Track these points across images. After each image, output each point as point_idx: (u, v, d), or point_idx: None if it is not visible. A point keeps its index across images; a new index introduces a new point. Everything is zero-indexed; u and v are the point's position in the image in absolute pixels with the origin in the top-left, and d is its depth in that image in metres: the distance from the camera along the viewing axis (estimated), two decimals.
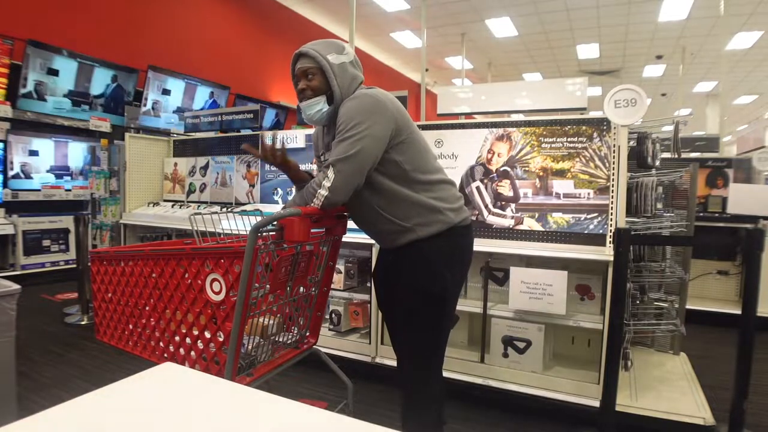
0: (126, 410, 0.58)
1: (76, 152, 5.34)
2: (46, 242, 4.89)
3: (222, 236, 1.66)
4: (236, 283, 1.29)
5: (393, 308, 1.57)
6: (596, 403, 2.04)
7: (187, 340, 1.44)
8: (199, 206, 3.66)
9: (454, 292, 1.52)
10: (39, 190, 4.98)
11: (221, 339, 1.36)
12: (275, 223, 1.30)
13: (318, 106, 1.43)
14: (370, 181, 1.39)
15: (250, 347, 1.42)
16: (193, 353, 1.43)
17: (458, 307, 2.48)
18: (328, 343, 2.68)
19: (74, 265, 3.86)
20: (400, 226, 1.42)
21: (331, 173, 1.31)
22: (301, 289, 1.56)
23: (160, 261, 1.47)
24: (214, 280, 1.35)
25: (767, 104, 13.05)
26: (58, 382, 2.46)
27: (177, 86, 6.29)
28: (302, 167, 1.55)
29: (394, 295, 1.51)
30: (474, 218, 2.51)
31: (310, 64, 1.42)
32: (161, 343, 1.51)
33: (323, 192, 1.32)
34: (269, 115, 7.92)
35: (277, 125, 7.97)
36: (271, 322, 1.46)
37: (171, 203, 3.81)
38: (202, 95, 6.67)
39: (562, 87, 2.54)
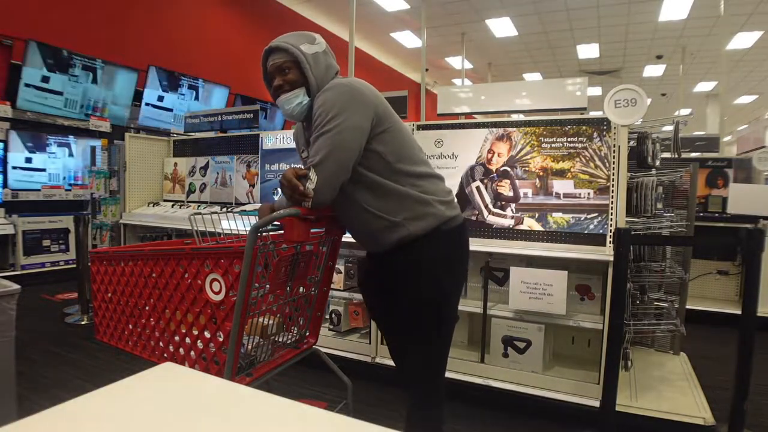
0: (126, 410, 0.58)
1: (76, 152, 5.34)
2: (46, 242, 4.89)
3: (222, 236, 1.66)
4: (236, 283, 1.29)
5: (389, 316, 1.50)
6: (596, 403, 2.04)
7: (187, 340, 1.44)
8: (199, 206, 3.66)
9: (456, 295, 1.48)
10: (39, 190, 4.98)
11: (221, 339, 1.36)
12: (275, 222, 1.30)
13: (298, 99, 1.36)
14: (353, 176, 1.32)
15: (249, 347, 1.42)
16: (192, 353, 1.43)
17: (458, 307, 2.50)
18: (328, 343, 2.68)
19: (74, 265, 3.87)
20: (389, 222, 1.34)
21: (313, 174, 1.24)
22: (301, 289, 1.56)
23: (160, 261, 1.47)
24: (213, 280, 1.35)
25: (767, 104, 13.05)
26: (58, 382, 2.46)
27: (177, 86, 6.29)
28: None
29: (390, 303, 1.44)
30: (474, 218, 2.51)
31: (285, 58, 1.35)
32: (161, 343, 1.51)
33: (308, 194, 1.26)
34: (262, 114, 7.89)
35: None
36: (271, 322, 1.46)
37: (171, 203, 3.81)
38: (201, 95, 6.67)
39: (562, 87, 2.54)
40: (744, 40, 8.30)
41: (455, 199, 1.48)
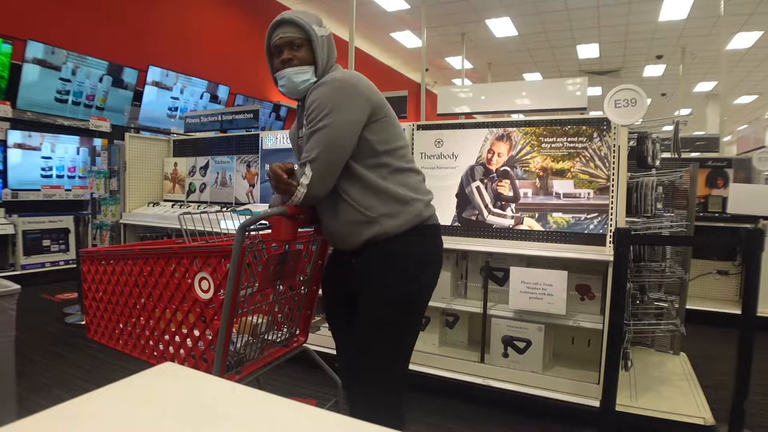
0: (126, 410, 0.58)
1: (76, 152, 5.34)
2: (46, 242, 4.88)
3: (212, 235, 1.65)
4: (224, 281, 1.28)
5: (347, 313, 1.45)
6: (596, 403, 2.04)
7: (177, 338, 1.44)
8: (199, 206, 3.66)
9: (428, 296, 1.43)
10: (39, 190, 4.98)
11: (210, 337, 1.35)
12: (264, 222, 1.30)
13: (306, 75, 1.36)
14: None
15: (239, 345, 1.42)
16: (182, 351, 1.43)
17: (458, 307, 2.50)
18: (325, 342, 2.67)
19: (74, 265, 3.87)
20: (365, 216, 1.32)
21: (308, 170, 1.26)
22: (291, 287, 1.56)
23: (150, 260, 1.46)
24: (202, 278, 1.34)
25: (767, 104, 13.05)
26: (58, 382, 2.46)
27: (177, 86, 6.29)
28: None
29: (353, 301, 1.40)
30: (474, 218, 2.51)
31: (297, 34, 1.34)
32: (151, 342, 1.50)
33: (302, 189, 1.27)
34: (264, 115, 7.90)
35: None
36: (261, 320, 1.46)
37: (171, 203, 3.81)
38: (199, 94, 6.67)
39: (562, 87, 2.54)
40: (744, 40, 8.30)
41: (432, 200, 1.46)
